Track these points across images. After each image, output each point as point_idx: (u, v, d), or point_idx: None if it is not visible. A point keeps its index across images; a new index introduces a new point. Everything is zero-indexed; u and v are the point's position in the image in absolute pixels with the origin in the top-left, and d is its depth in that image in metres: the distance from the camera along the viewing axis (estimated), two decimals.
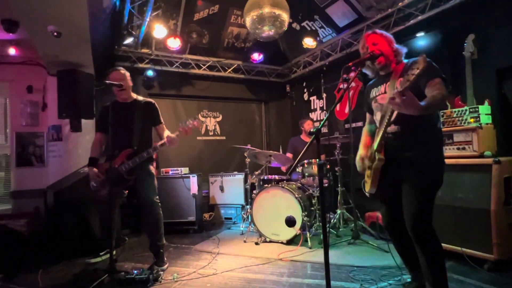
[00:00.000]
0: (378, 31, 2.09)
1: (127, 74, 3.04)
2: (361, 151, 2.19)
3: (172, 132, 2.93)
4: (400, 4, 3.86)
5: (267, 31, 3.90)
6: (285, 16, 3.88)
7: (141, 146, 2.92)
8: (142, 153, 2.87)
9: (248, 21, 3.92)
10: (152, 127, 3.10)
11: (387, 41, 2.03)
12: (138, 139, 2.93)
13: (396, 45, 2.04)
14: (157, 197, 2.99)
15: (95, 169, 2.91)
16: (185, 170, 4.65)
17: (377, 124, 2.09)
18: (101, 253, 3.25)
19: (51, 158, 4.48)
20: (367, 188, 2.09)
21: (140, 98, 3.10)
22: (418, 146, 1.90)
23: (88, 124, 4.25)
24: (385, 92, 2.02)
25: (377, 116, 2.08)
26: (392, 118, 1.86)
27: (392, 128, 1.94)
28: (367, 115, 2.34)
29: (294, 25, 5.26)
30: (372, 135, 2.21)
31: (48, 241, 3.49)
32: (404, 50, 2.05)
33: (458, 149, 2.82)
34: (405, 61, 2.04)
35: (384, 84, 2.05)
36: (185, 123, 2.83)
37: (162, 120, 3.10)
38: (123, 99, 3.01)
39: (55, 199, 3.51)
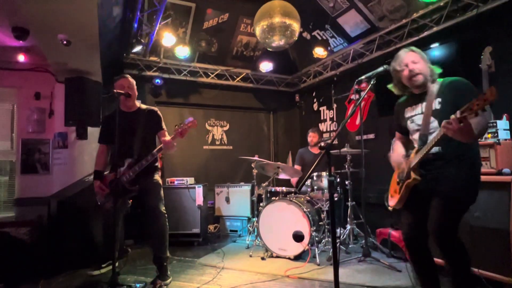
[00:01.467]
0: (414, 48, 2.10)
1: (134, 82, 3.08)
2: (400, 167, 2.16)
3: (179, 144, 2.94)
4: (414, 15, 3.87)
5: (277, 41, 3.93)
6: (296, 26, 3.92)
7: (142, 155, 2.93)
8: (141, 161, 2.88)
9: (258, 30, 3.97)
10: (155, 135, 3.12)
11: (424, 60, 2.05)
12: (139, 148, 2.95)
13: (429, 64, 2.06)
14: (164, 207, 2.99)
15: (98, 182, 2.93)
16: (190, 180, 4.66)
17: (414, 143, 2.10)
18: (103, 265, 3.24)
19: (56, 166, 4.53)
20: (393, 203, 2.13)
21: (144, 106, 3.13)
22: (460, 165, 1.92)
23: (94, 132, 4.29)
24: (422, 113, 2.03)
25: (414, 136, 2.10)
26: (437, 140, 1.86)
27: (433, 148, 1.95)
28: (396, 133, 2.33)
29: (305, 34, 5.30)
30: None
31: (50, 251, 3.50)
32: (438, 70, 2.07)
33: None
34: (439, 80, 2.06)
35: (421, 104, 2.06)
36: (180, 125, 2.83)
37: (164, 127, 3.11)
38: (127, 107, 3.04)
39: (58, 208, 3.54)
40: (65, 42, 3.22)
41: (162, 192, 3.03)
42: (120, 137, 2.79)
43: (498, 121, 2.72)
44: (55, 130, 4.56)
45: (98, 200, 2.97)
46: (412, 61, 2.04)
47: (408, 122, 2.13)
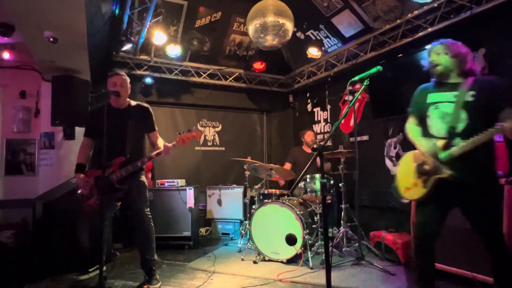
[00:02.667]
0: (444, 41, 2.23)
1: (128, 80, 3.05)
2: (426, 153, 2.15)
3: (169, 141, 2.93)
4: (409, 15, 3.91)
5: (270, 41, 3.94)
6: (289, 25, 3.93)
7: (134, 155, 2.92)
8: (135, 162, 2.86)
9: (251, 29, 3.97)
10: (145, 134, 3.10)
11: (451, 52, 2.15)
12: (131, 147, 2.93)
13: (462, 54, 2.15)
14: (148, 209, 2.98)
15: (82, 175, 2.90)
16: (181, 182, 4.63)
17: (433, 131, 2.13)
18: (90, 269, 3.20)
19: (42, 167, 4.47)
20: (415, 195, 2.16)
21: (134, 103, 3.11)
22: (486, 168, 2.02)
23: (81, 132, 4.23)
24: (451, 102, 2.08)
25: (434, 123, 2.13)
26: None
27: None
28: (411, 119, 2.35)
29: (299, 34, 5.32)
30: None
31: (35, 255, 3.45)
32: (478, 67, 2.20)
33: None
34: (481, 77, 2.15)
35: (450, 93, 2.11)
36: (183, 132, 2.83)
37: (156, 128, 3.10)
38: (118, 104, 3.02)
39: (44, 211, 3.50)
40: (52, 39, 3.18)
41: (147, 193, 3.02)
42: (109, 134, 2.76)
43: None
44: (41, 130, 4.50)
45: (79, 195, 2.91)
46: (435, 52, 2.20)
47: (431, 107, 2.16)
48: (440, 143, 2.05)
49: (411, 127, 2.33)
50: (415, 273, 2.24)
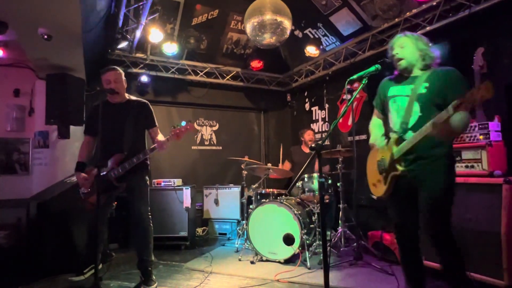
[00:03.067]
0: (408, 34, 2.16)
1: (122, 74, 3.01)
2: (383, 151, 2.16)
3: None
4: (407, 14, 3.91)
5: (268, 39, 3.93)
6: (287, 24, 3.92)
7: (132, 151, 2.89)
8: (131, 158, 2.84)
9: (248, 27, 3.96)
10: (146, 130, 3.08)
11: (415, 45, 2.08)
12: (129, 144, 2.91)
13: (425, 48, 2.08)
14: (148, 209, 2.96)
15: (83, 174, 2.88)
16: (178, 181, 4.62)
17: (392, 125, 2.14)
18: (85, 270, 3.18)
19: (36, 166, 4.44)
20: (379, 192, 2.17)
21: (133, 98, 3.08)
22: (437, 158, 1.98)
23: (76, 131, 4.23)
24: (406, 95, 2.07)
25: (392, 116, 2.14)
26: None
27: None
28: (375, 111, 2.36)
29: (297, 32, 5.31)
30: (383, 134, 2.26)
31: (29, 256, 3.42)
32: (437, 55, 2.11)
33: (466, 167, 2.81)
34: (441, 67, 2.09)
35: (408, 86, 2.09)
36: (177, 126, 2.81)
37: (156, 123, 3.08)
38: (115, 99, 2.98)
39: (38, 211, 3.46)
40: (45, 36, 3.15)
41: (148, 192, 3.00)
42: (107, 131, 2.74)
43: (489, 123, 2.76)
44: (35, 128, 4.47)
45: (81, 192, 2.92)
46: (399, 45, 2.12)
47: (391, 101, 2.16)
48: (394, 138, 2.06)
49: (373, 121, 2.35)
50: (402, 268, 2.25)
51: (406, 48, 2.10)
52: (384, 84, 2.29)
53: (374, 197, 2.25)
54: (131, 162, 2.84)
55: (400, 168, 2.00)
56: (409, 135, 1.99)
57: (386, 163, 2.09)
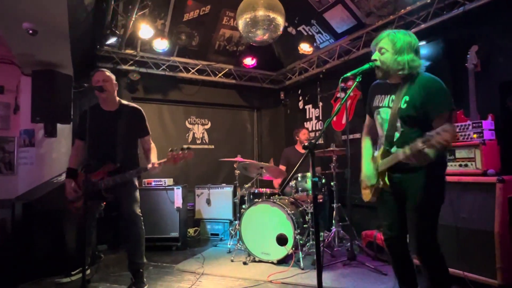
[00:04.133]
0: (392, 34, 1.94)
1: (112, 77, 2.97)
2: (367, 167, 2.16)
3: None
4: (402, 11, 3.94)
5: (261, 35, 3.92)
6: (280, 20, 3.91)
7: (125, 162, 2.87)
8: (124, 173, 2.81)
9: (241, 24, 3.94)
10: (137, 139, 3.04)
11: (396, 50, 1.90)
12: (122, 154, 2.88)
13: (408, 55, 1.89)
14: (139, 210, 2.94)
15: (73, 183, 2.84)
16: (169, 181, 4.59)
17: (379, 136, 2.12)
18: (73, 272, 3.14)
19: (21, 166, 4.37)
20: (368, 198, 2.18)
21: (125, 103, 3.05)
22: (424, 167, 1.89)
23: (64, 129, 4.17)
24: (389, 107, 2.01)
25: (379, 129, 2.12)
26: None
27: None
28: (367, 117, 2.32)
29: (290, 29, 5.31)
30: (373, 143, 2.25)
31: (14, 258, 3.37)
32: (420, 64, 1.92)
33: (460, 166, 2.84)
34: (424, 74, 1.94)
35: (389, 97, 2.02)
36: (175, 150, 2.77)
37: (149, 131, 3.05)
38: (107, 105, 2.94)
39: (24, 211, 3.40)
40: (31, 31, 3.09)
41: (138, 193, 2.97)
42: (99, 137, 2.71)
43: (483, 121, 2.79)
44: (20, 127, 4.39)
45: (67, 196, 2.88)
46: (379, 49, 1.96)
47: (375, 112, 2.11)
48: (380, 151, 2.04)
49: (364, 128, 2.32)
50: (392, 267, 2.26)
51: (386, 54, 1.93)
52: (371, 90, 2.23)
53: (364, 200, 2.27)
54: (123, 177, 2.81)
55: (381, 182, 2.01)
56: (394, 149, 1.96)
57: (373, 176, 2.10)
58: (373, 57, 1.99)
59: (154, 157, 2.97)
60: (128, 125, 2.92)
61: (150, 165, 2.83)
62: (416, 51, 1.93)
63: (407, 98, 1.91)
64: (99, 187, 2.80)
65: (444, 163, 2.03)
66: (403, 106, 1.92)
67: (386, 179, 2.00)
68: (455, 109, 1.89)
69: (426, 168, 1.88)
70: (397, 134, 1.97)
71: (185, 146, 2.78)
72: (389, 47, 1.92)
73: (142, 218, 2.92)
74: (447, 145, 1.51)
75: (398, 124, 1.95)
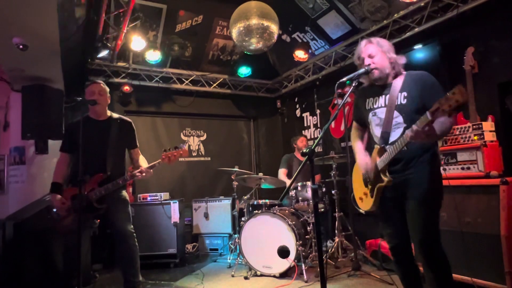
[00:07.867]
0: (373, 40, 2.15)
1: (107, 89, 3.02)
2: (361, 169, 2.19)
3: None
4: (395, 15, 4.02)
5: (255, 44, 3.98)
6: (274, 28, 3.98)
7: (114, 171, 2.88)
8: (117, 180, 2.82)
9: (234, 33, 4.01)
10: (126, 150, 3.08)
11: (384, 51, 2.08)
12: (111, 163, 2.89)
13: (393, 55, 2.09)
14: (132, 226, 2.92)
15: (59, 196, 2.82)
16: (165, 195, 4.57)
17: (375, 138, 2.16)
18: None
19: (12, 184, 4.35)
20: (367, 207, 2.18)
21: (116, 115, 3.08)
22: (421, 164, 1.99)
23: (55, 146, 4.13)
24: (385, 106, 2.08)
25: (374, 130, 2.15)
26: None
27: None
28: (354, 123, 2.39)
29: (284, 36, 5.39)
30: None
31: (5, 279, 3.33)
32: (402, 60, 2.11)
33: (462, 168, 2.87)
34: (410, 71, 2.11)
35: (384, 96, 2.10)
36: (169, 149, 2.80)
37: (137, 144, 3.10)
38: (97, 115, 2.97)
39: (15, 232, 3.39)
40: (21, 46, 3.13)
41: (130, 209, 2.96)
42: (87, 149, 2.71)
43: (483, 123, 2.83)
44: (10, 144, 4.38)
45: (55, 214, 2.84)
46: (368, 55, 2.10)
47: (370, 114, 2.17)
48: (376, 149, 2.08)
49: (353, 134, 2.38)
50: (398, 274, 2.26)
51: (377, 56, 2.08)
52: (360, 94, 2.30)
53: (362, 211, 2.27)
54: (116, 183, 2.81)
55: (385, 178, 2.02)
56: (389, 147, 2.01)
57: (371, 175, 2.11)
58: (366, 63, 2.09)
59: (144, 163, 3.00)
60: (118, 135, 2.96)
61: (141, 167, 2.86)
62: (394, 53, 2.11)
63: (405, 93, 2.02)
64: (90, 199, 2.79)
65: (438, 160, 2.09)
66: (403, 101, 2.01)
67: (387, 174, 2.02)
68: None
69: (424, 165, 1.96)
70: (392, 132, 2.03)
71: (180, 145, 2.86)
72: (377, 50, 2.09)
73: (135, 234, 2.91)
74: (462, 103, 1.52)
75: (399, 120, 2.02)
